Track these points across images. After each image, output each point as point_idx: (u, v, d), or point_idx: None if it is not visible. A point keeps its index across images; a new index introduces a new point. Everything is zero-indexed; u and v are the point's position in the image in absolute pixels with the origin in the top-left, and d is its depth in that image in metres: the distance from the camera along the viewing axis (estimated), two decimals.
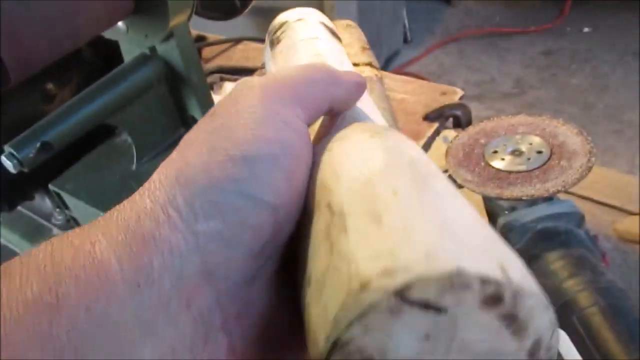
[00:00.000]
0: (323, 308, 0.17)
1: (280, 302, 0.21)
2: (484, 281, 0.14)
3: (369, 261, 0.15)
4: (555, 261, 0.60)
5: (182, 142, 0.21)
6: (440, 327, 0.15)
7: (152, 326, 0.17)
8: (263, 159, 0.20)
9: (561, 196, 0.68)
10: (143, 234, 0.18)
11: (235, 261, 0.19)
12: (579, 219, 0.65)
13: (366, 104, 0.28)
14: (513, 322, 0.15)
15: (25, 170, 0.56)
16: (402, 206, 0.17)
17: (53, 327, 0.16)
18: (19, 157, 0.54)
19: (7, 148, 0.55)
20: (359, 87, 0.26)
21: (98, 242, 0.18)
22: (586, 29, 2.34)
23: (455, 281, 0.14)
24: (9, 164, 0.55)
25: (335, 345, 0.15)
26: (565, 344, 0.55)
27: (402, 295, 0.14)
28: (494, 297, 0.15)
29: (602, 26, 2.32)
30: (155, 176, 0.21)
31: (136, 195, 0.20)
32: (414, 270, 0.14)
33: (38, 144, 0.55)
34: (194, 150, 0.20)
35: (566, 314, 0.55)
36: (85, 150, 0.73)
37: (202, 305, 0.19)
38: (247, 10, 0.82)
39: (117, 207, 0.20)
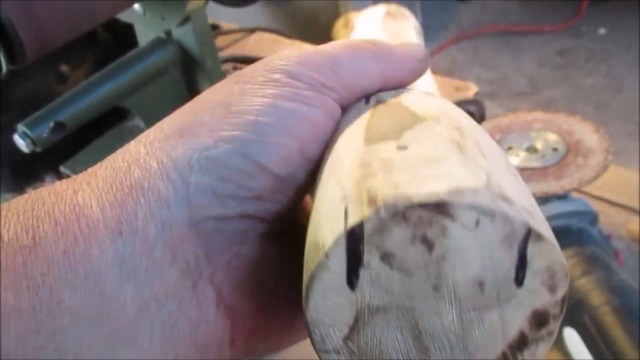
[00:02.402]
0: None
1: (277, 262, 0.21)
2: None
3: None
4: (568, 259, 0.59)
5: (197, 97, 0.21)
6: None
7: (134, 273, 0.17)
8: (275, 127, 0.19)
9: (574, 195, 0.67)
10: (130, 183, 0.18)
11: (226, 218, 0.19)
12: (593, 217, 0.64)
13: (428, 83, 0.26)
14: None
15: (38, 149, 0.55)
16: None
17: (28, 268, 0.16)
18: (32, 136, 0.54)
19: (21, 127, 0.55)
20: (419, 63, 0.24)
21: (81, 190, 0.18)
22: (602, 30, 2.32)
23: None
24: (22, 143, 0.55)
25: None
26: (575, 342, 0.55)
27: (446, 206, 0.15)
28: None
29: (619, 27, 2.30)
30: (159, 125, 0.20)
31: (132, 143, 0.19)
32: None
33: (51, 124, 0.55)
34: (206, 107, 0.20)
35: (578, 313, 0.55)
36: (97, 133, 0.73)
37: (190, 256, 0.18)
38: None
39: (110, 156, 0.19)
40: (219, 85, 0.21)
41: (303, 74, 0.20)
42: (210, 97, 0.20)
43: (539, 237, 0.15)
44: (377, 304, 0.16)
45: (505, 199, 0.15)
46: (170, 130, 0.19)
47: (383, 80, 0.22)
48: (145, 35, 0.66)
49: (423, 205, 0.15)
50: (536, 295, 0.16)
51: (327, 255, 0.16)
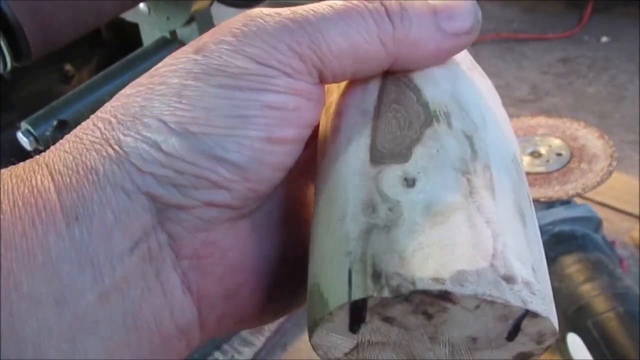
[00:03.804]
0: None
1: (250, 245, 0.20)
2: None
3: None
4: (571, 265, 0.59)
5: (155, 70, 0.19)
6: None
7: (90, 259, 0.17)
8: (232, 119, 0.18)
9: (578, 201, 0.67)
10: (86, 166, 0.17)
11: (189, 207, 0.18)
12: (597, 223, 0.64)
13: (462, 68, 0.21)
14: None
15: (42, 148, 0.55)
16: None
17: None
18: (35, 134, 0.54)
19: (24, 124, 0.55)
20: (457, 37, 0.19)
21: (40, 172, 0.17)
22: (605, 39, 2.32)
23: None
24: (25, 141, 0.54)
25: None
26: (579, 347, 0.55)
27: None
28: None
29: (621, 36, 2.30)
30: (115, 101, 0.19)
31: (90, 122, 0.19)
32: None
33: (55, 122, 0.55)
34: (160, 89, 0.18)
35: (581, 318, 0.55)
36: None
37: (152, 243, 0.18)
38: (266, 0, 0.81)
39: (70, 134, 0.19)
40: (179, 58, 0.19)
41: (270, 53, 0.18)
42: (166, 74, 0.19)
43: (535, 315, 0.16)
44: (376, 340, 0.17)
45: (508, 279, 0.16)
46: (124, 115, 0.18)
47: (393, 58, 0.19)
48: (150, 35, 0.66)
49: (426, 292, 0.16)
50: (524, 345, 0.17)
51: (330, 314, 0.17)
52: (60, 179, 0.17)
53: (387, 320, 0.16)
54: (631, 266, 0.69)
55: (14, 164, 0.18)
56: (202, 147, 0.18)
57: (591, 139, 0.68)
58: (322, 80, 0.19)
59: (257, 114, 0.18)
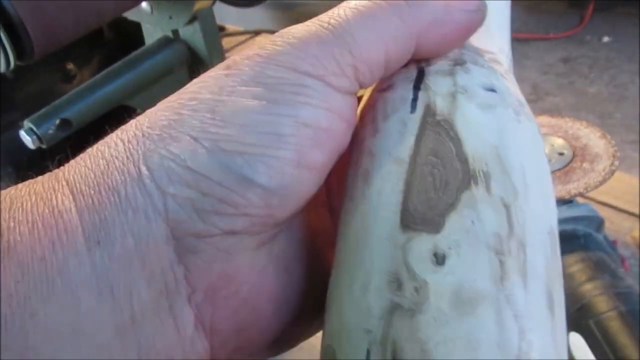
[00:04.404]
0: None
1: (266, 276, 0.19)
2: None
3: None
4: (574, 264, 0.59)
5: (187, 88, 0.18)
6: None
7: (110, 289, 0.16)
8: (264, 135, 0.17)
9: (579, 200, 0.67)
10: (108, 186, 0.16)
11: (208, 236, 0.17)
12: (599, 223, 0.64)
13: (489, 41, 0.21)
14: None
15: (44, 146, 0.55)
16: None
17: (0, 274, 0.15)
18: (38, 132, 0.54)
19: (27, 123, 0.55)
20: (467, 15, 0.19)
21: (61, 190, 0.16)
22: (606, 38, 2.32)
23: None
24: (28, 140, 0.54)
25: None
26: (581, 347, 0.55)
27: None
28: None
29: (622, 36, 2.30)
30: (142, 117, 0.18)
31: (114, 135, 0.18)
32: None
33: (57, 121, 0.55)
34: (191, 104, 0.17)
35: (583, 318, 0.55)
36: (103, 132, 0.73)
37: (167, 275, 0.17)
38: (268, 0, 0.81)
39: (92, 147, 0.18)
40: (209, 75, 0.18)
41: (303, 59, 0.17)
42: (197, 90, 0.18)
43: None
44: None
45: None
46: (151, 128, 0.17)
47: (417, 43, 0.19)
48: (152, 34, 0.66)
49: None
50: None
51: None
52: (82, 199, 0.16)
53: None
54: (633, 266, 0.69)
55: (33, 177, 0.18)
56: (233, 166, 0.17)
57: (593, 139, 0.68)
58: (359, 84, 0.18)
59: (291, 131, 0.17)
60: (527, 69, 2.17)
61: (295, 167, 0.17)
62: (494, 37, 0.23)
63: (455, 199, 0.17)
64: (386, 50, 0.18)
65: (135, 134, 0.17)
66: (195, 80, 0.18)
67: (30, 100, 0.65)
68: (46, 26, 0.48)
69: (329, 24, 0.18)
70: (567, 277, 0.58)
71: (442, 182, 0.17)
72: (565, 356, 0.17)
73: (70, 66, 0.71)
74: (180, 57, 0.65)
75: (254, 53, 0.18)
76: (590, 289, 0.56)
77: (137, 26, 0.69)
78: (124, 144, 0.17)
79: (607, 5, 2.36)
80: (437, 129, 0.18)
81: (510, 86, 0.20)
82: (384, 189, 0.18)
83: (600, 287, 0.56)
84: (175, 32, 0.65)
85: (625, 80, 2.06)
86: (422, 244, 0.17)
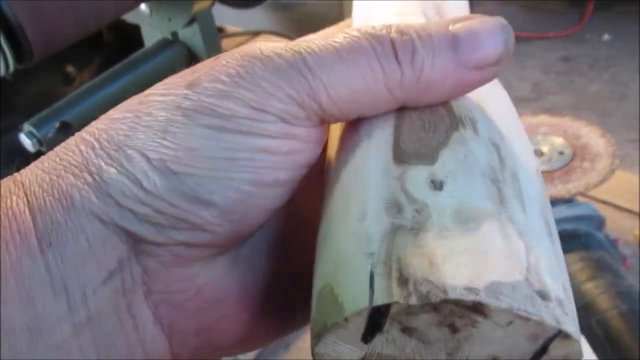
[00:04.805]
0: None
1: (228, 281, 0.19)
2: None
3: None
4: (575, 263, 0.59)
5: (144, 96, 0.18)
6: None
7: (65, 288, 0.16)
8: (219, 161, 0.17)
9: (580, 200, 0.67)
10: (62, 189, 0.16)
11: (167, 244, 0.17)
12: (600, 222, 0.64)
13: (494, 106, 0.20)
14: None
15: (44, 149, 0.55)
16: None
17: None
18: (38, 135, 0.54)
19: (27, 126, 0.55)
20: (487, 71, 0.17)
21: (16, 192, 0.17)
22: (606, 37, 2.32)
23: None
24: (28, 142, 0.54)
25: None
26: (582, 346, 0.54)
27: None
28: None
29: (623, 34, 2.30)
30: (101, 124, 0.18)
31: (73, 141, 0.18)
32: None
33: (57, 124, 0.55)
34: (145, 121, 0.17)
35: (585, 317, 0.55)
36: None
37: (126, 275, 0.17)
38: (267, 1, 0.81)
39: (52, 152, 0.18)
40: (170, 90, 0.18)
41: (265, 99, 0.17)
42: (155, 103, 0.17)
43: (566, 336, 0.15)
44: (387, 353, 0.16)
45: (543, 295, 0.15)
46: (108, 140, 0.17)
47: (401, 103, 0.17)
48: (151, 36, 0.66)
49: (458, 302, 0.14)
50: None
51: (346, 319, 0.15)
52: (34, 201, 0.16)
53: (407, 331, 0.15)
54: (634, 265, 0.69)
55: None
56: (183, 189, 0.16)
57: (593, 138, 0.68)
58: (323, 123, 0.18)
59: (246, 156, 0.17)
60: (527, 68, 2.16)
61: (253, 185, 0.17)
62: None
63: (446, 137, 0.17)
64: (357, 98, 0.17)
65: (93, 145, 0.17)
66: (157, 87, 0.18)
67: (30, 103, 0.65)
68: (45, 29, 0.48)
69: (301, 60, 0.17)
70: (569, 277, 0.58)
71: (431, 125, 0.18)
72: (569, 282, 0.17)
73: (70, 69, 0.71)
74: (179, 58, 0.65)
75: (218, 77, 0.17)
76: (591, 288, 0.56)
77: (136, 28, 0.69)
78: (82, 153, 0.17)
79: (607, 4, 2.36)
80: None
81: None
82: (374, 132, 0.18)
83: (601, 286, 0.55)
84: (174, 34, 0.65)
85: (626, 78, 2.06)
86: (419, 173, 0.16)
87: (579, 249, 0.59)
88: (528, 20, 2.40)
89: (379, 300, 0.15)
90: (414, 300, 0.14)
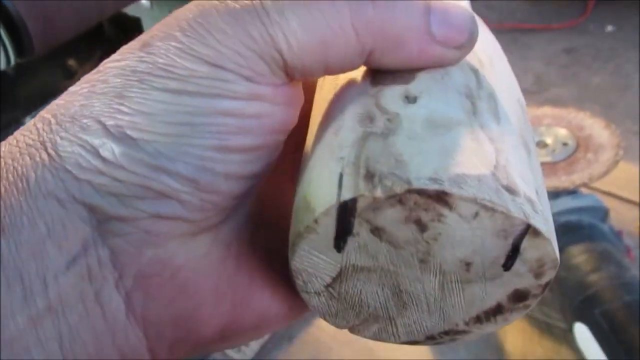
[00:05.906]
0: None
1: (205, 263, 0.18)
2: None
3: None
4: (579, 255, 0.59)
5: (101, 67, 0.17)
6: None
7: (21, 278, 0.15)
8: (179, 126, 0.16)
9: (584, 191, 0.66)
10: (17, 172, 0.16)
11: (133, 219, 0.16)
12: (604, 213, 0.64)
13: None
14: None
15: None
16: None
17: None
18: None
19: (28, 120, 0.55)
20: (452, 52, 0.17)
21: None
22: (609, 28, 2.30)
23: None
24: None
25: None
26: (586, 337, 0.54)
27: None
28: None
29: (626, 25, 2.28)
30: (60, 100, 0.17)
31: (32, 121, 0.17)
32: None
33: None
34: (101, 88, 0.16)
35: (589, 308, 0.54)
36: None
37: (91, 259, 0.16)
38: None
39: (11, 135, 0.17)
40: (125, 54, 0.17)
41: (222, 53, 0.16)
42: (109, 70, 0.17)
43: (537, 234, 0.15)
44: (361, 264, 0.16)
45: (510, 190, 0.15)
46: (64, 115, 0.16)
47: (367, 51, 0.17)
48: None
49: (421, 192, 0.14)
50: (521, 278, 0.16)
51: (316, 221, 0.15)
52: None
53: (376, 232, 0.15)
54: (638, 256, 0.69)
55: None
56: (142, 156, 0.16)
57: (597, 129, 0.67)
58: (291, 79, 0.17)
59: (207, 121, 0.16)
60: (530, 60, 2.16)
61: (217, 152, 0.16)
62: None
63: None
64: (323, 45, 0.16)
65: (49, 121, 0.16)
66: (112, 57, 0.17)
67: (31, 97, 0.65)
68: (46, 23, 0.48)
69: (258, 3, 0.16)
70: (573, 268, 0.58)
71: None
72: (545, 194, 0.17)
73: (71, 62, 0.71)
74: None
75: (171, 33, 0.16)
76: (595, 279, 0.56)
77: (137, 21, 0.68)
78: (38, 131, 0.16)
79: None
80: None
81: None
82: (353, 75, 0.18)
83: (605, 278, 0.55)
84: None
85: (630, 70, 2.05)
86: (394, 91, 0.17)
87: (582, 240, 0.59)
88: (531, 12, 2.39)
89: (346, 195, 0.15)
90: (379, 193, 0.15)
